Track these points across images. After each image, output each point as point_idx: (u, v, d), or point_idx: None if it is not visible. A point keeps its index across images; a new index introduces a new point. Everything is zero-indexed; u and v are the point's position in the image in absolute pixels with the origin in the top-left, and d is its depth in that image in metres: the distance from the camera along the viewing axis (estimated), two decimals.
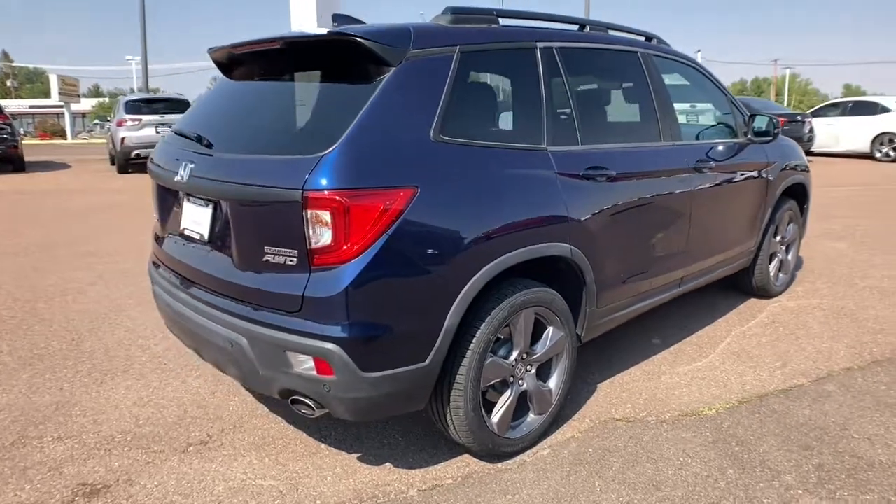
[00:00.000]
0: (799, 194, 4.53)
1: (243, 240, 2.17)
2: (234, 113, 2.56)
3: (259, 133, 2.30)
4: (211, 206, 2.31)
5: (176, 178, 2.39)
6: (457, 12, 2.40)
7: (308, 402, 2.10)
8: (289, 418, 2.85)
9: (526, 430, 2.54)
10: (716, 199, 3.51)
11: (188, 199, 2.46)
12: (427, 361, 2.13)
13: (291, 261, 2.01)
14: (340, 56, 2.18)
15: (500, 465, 2.47)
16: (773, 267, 4.42)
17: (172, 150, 2.60)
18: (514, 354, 2.44)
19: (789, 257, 4.63)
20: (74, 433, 2.75)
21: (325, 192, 1.91)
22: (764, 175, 3.97)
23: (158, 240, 2.79)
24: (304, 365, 2.03)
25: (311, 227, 1.94)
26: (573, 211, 2.52)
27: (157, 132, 13.67)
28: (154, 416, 2.90)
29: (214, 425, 2.80)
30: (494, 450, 2.43)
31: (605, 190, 2.69)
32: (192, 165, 2.32)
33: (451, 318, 2.14)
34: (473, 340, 2.23)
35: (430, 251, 2.08)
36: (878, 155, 15.39)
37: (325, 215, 1.92)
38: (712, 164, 3.41)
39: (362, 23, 2.73)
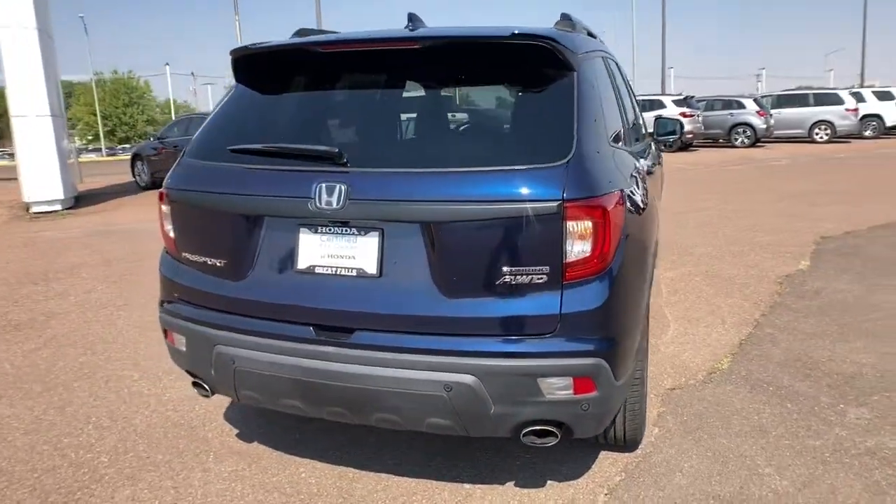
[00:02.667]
0: None
1: (463, 265, 1.94)
2: (351, 121, 2.23)
3: (436, 143, 2.07)
4: (377, 234, 2.00)
5: (312, 206, 1.99)
6: (569, 20, 2.51)
7: (551, 429, 2.01)
8: (399, 470, 2.57)
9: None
10: (657, 189, 4.21)
11: (315, 230, 2.07)
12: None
13: (540, 279, 1.91)
14: (520, 58, 2.11)
15: (637, 451, 2.67)
16: None
17: (257, 172, 2.13)
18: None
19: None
20: None
21: (587, 201, 1.88)
22: (662, 166, 4.86)
23: (217, 284, 2.23)
24: (559, 387, 1.95)
25: (569, 240, 1.89)
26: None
27: None
28: None
29: None
30: (638, 438, 2.62)
31: (649, 187, 3.09)
32: (344, 187, 1.97)
33: (644, 312, 2.28)
34: (641, 332, 2.39)
35: (639, 248, 2.20)
36: None
37: (587, 224, 1.89)
38: (658, 159, 4.09)
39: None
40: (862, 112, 22.49)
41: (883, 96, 23.96)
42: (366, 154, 2.07)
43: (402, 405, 2.03)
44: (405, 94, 2.29)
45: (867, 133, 23.31)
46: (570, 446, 2.66)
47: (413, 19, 2.49)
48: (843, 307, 4.43)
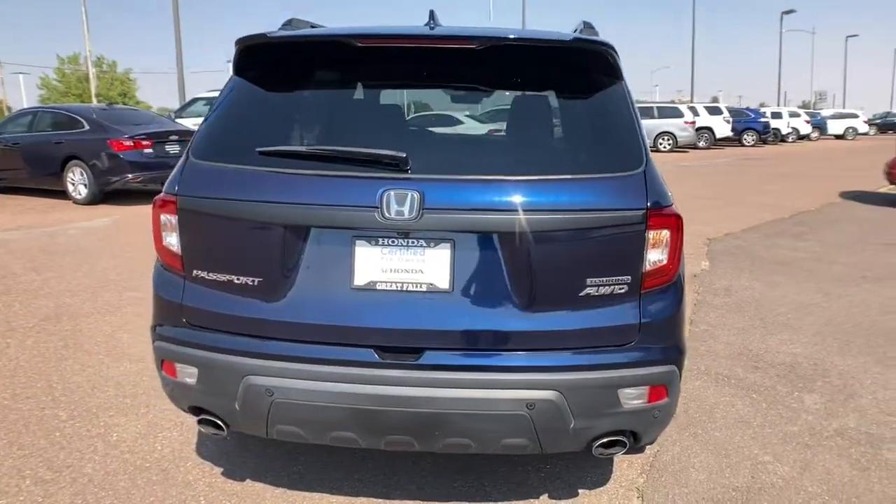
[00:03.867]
0: None
1: (544, 277, 1.89)
2: (402, 124, 2.07)
3: (504, 149, 1.99)
4: (448, 246, 1.89)
5: (379, 217, 1.84)
6: (592, 28, 2.54)
7: (623, 439, 2.03)
8: (424, 495, 2.45)
9: None
10: None
11: (375, 243, 1.90)
12: None
13: (621, 289, 1.92)
14: (578, 64, 2.10)
15: (646, 451, 2.78)
16: None
17: (304, 178, 1.92)
18: None
19: None
20: None
21: (665, 209, 1.93)
22: None
23: (247, 306, 1.98)
24: (634, 396, 1.97)
25: (649, 248, 1.92)
26: None
27: None
28: None
29: None
30: (656, 438, 2.73)
31: None
32: (417, 196, 1.84)
33: None
34: None
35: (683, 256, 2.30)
36: None
37: (664, 233, 1.93)
38: None
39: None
40: (697, 124, 25.44)
41: (713, 111, 27.28)
42: (430, 160, 1.94)
43: (478, 428, 1.94)
44: (460, 97, 2.20)
45: (701, 143, 26.35)
46: (568, 460, 2.69)
47: (433, 17, 2.40)
48: (756, 303, 4.97)
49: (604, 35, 2.31)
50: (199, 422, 2.16)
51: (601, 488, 2.51)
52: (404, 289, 1.91)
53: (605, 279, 1.91)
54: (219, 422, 2.11)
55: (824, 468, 2.64)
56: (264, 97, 2.19)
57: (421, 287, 1.91)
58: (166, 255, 2.11)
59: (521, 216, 1.85)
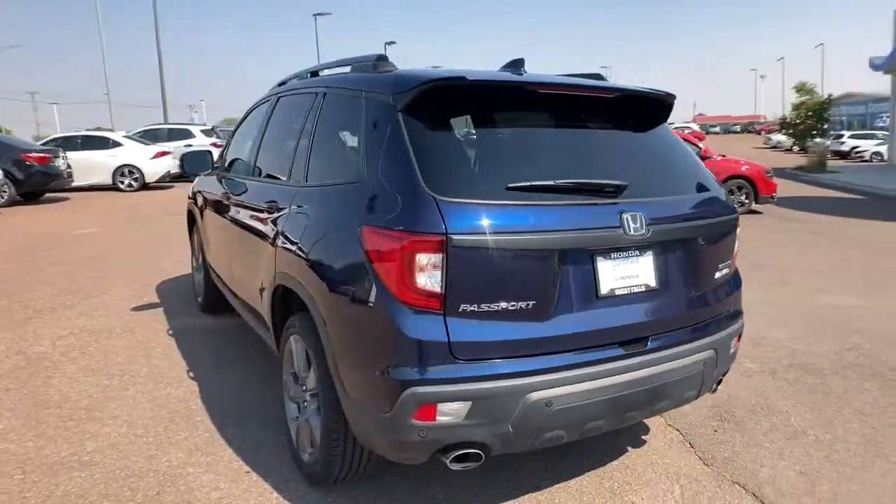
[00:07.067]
0: None
1: (704, 266, 2.60)
2: (587, 156, 2.54)
3: (655, 173, 2.60)
4: (651, 253, 2.44)
5: (622, 234, 2.31)
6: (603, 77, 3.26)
7: (723, 377, 2.86)
8: (555, 479, 2.86)
9: None
10: None
11: (609, 257, 2.35)
12: None
13: (727, 269, 2.76)
14: (660, 110, 2.83)
15: None
16: None
17: (559, 207, 2.27)
18: None
19: None
20: None
21: (738, 216, 2.85)
22: None
23: (519, 329, 2.20)
24: (733, 345, 2.82)
25: (735, 241, 2.81)
26: None
27: None
28: None
29: None
30: None
31: None
32: (644, 215, 2.36)
33: None
34: None
35: None
36: (121, 186, 17.35)
37: (737, 231, 2.85)
38: None
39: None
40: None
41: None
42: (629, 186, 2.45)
43: (678, 389, 2.55)
44: (609, 134, 2.72)
45: None
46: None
47: (522, 65, 2.86)
48: None
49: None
50: (454, 460, 2.19)
51: (652, 431, 3.32)
52: (632, 291, 2.41)
53: (725, 264, 2.75)
54: (477, 452, 2.20)
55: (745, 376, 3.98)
56: (460, 133, 2.36)
57: (642, 288, 2.43)
58: (418, 295, 2.10)
59: (697, 223, 2.59)
